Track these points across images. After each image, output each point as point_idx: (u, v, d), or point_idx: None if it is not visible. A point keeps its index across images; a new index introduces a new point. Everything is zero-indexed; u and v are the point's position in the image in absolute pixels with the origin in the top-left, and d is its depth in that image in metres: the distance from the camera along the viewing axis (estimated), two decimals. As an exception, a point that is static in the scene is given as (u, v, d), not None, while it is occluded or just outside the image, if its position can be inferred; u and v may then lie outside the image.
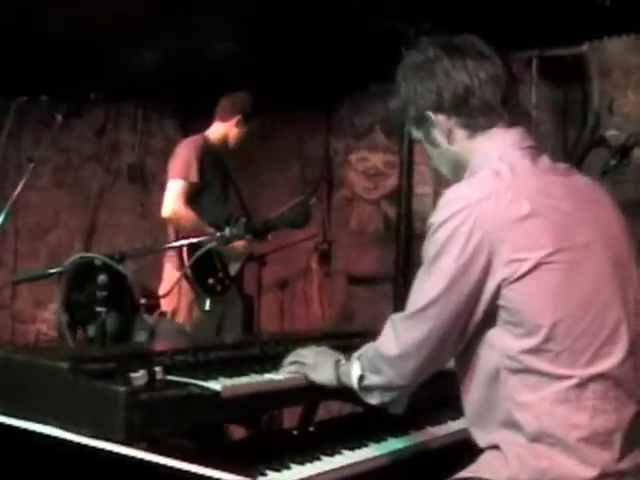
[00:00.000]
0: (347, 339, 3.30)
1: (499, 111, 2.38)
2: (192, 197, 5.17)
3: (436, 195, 6.84)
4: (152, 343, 3.46)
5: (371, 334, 3.22)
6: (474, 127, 2.38)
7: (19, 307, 7.19)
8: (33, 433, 2.32)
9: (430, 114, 2.41)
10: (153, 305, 4.81)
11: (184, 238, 4.98)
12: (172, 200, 5.12)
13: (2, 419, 2.39)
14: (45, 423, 2.35)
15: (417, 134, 2.52)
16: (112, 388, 2.23)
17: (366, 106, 7.27)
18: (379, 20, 5.51)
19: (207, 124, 5.55)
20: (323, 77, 6.95)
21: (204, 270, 5.06)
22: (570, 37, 5.57)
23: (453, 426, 3.05)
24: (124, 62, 6.72)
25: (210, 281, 5.14)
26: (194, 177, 5.19)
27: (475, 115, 2.37)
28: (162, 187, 6.80)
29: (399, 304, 5.96)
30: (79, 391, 2.30)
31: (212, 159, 5.37)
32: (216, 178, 5.40)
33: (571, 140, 6.19)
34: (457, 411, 3.04)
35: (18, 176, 6.09)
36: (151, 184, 7.90)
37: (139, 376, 2.34)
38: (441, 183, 6.82)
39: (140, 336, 3.72)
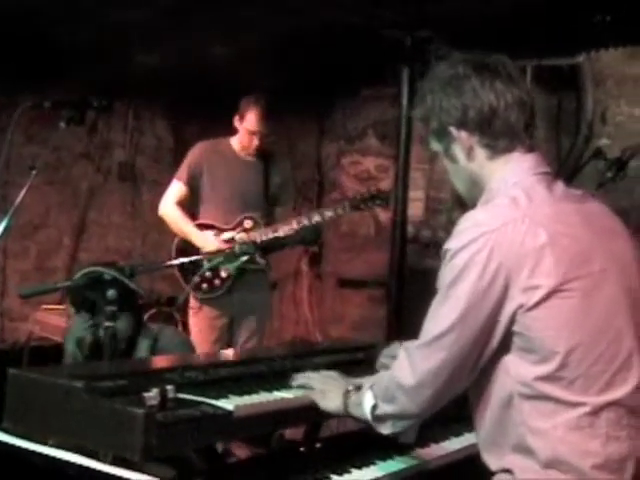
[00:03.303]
0: (351, 353, 3.33)
1: (521, 136, 2.39)
2: (187, 199, 5.46)
3: (427, 200, 6.87)
4: (161, 358, 3.46)
5: (375, 347, 3.27)
6: (495, 149, 2.39)
7: (8, 305, 7.16)
8: (45, 456, 2.32)
9: (453, 129, 2.41)
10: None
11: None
12: (164, 200, 5.49)
13: (14, 441, 2.39)
14: (57, 441, 2.35)
15: (436, 146, 2.51)
16: (129, 409, 2.23)
17: (359, 110, 7.29)
18: (378, 27, 5.51)
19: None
20: (316, 80, 6.96)
21: (190, 268, 5.13)
22: (568, 48, 5.61)
23: (456, 443, 3.08)
24: (116, 62, 6.72)
25: (196, 279, 5.20)
26: (189, 180, 5.44)
27: (497, 137, 2.38)
28: (152, 186, 6.82)
29: (392, 309, 6.04)
30: (94, 411, 2.30)
31: (234, 162, 5.47)
32: (234, 181, 5.45)
33: (564, 147, 6.22)
34: (460, 427, 3.09)
35: (7, 173, 6.08)
36: (141, 183, 7.90)
37: (152, 396, 2.34)
38: (432, 188, 6.86)
39: (143, 344, 3.72)
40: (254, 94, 5.44)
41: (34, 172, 3.81)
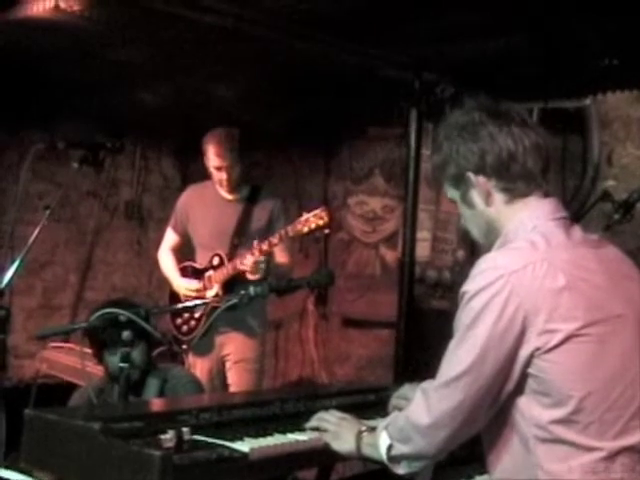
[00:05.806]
0: (363, 395, 3.33)
1: (538, 180, 2.41)
2: (180, 244, 5.68)
3: (434, 240, 6.88)
4: (175, 399, 3.46)
5: (387, 389, 3.28)
6: (513, 192, 2.41)
7: (13, 342, 7.13)
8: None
9: (470, 175, 2.43)
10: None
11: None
12: (160, 248, 5.75)
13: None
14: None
15: (452, 193, 2.53)
16: (146, 451, 2.24)
17: (365, 150, 7.31)
18: (385, 68, 5.56)
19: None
20: (323, 119, 7.01)
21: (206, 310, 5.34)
22: (575, 91, 5.65)
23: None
24: (124, 101, 6.76)
25: (177, 321, 5.48)
26: (177, 226, 5.64)
27: (515, 181, 2.40)
28: (159, 225, 6.84)
29: (401, 350, 6.03)
30: (111, 452, 2.30)
31: (214, 203, 5.49)
32: (212, 221, 5.47)
33: (569, 189, 6.23)
34: (471, 470, 3.08)
35: (16, 210, 6.09)
36: (148, 221, 7.92)
37: (168, 437, 2.35)
38: (438, 228, 6.87)
39: (153, 384, 3.73)
40: (211, 129, 5.47)
41: (48, 211, 3.85)
